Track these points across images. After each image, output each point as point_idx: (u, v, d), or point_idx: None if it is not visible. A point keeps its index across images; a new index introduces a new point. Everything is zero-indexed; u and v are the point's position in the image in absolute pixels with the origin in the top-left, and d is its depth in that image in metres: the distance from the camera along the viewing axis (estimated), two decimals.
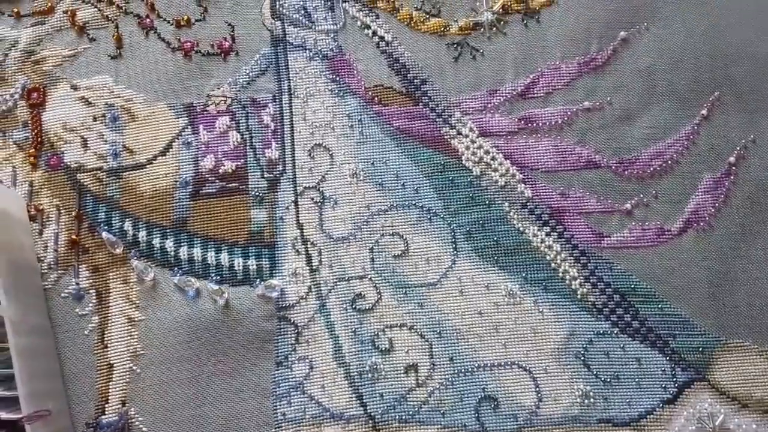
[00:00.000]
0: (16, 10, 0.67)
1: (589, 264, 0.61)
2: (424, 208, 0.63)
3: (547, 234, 0.62)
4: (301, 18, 0.67)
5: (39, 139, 0.64)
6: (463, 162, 0.64)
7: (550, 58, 0.66)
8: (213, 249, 0.62)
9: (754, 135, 0.64)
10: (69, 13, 0.67)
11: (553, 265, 0.61)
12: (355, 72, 0.66)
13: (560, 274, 0.61)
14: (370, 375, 0.59)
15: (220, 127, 0.64)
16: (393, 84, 0.66)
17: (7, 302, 0.53)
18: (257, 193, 0.63)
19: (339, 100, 0.65)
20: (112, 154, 0.64)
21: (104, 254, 0.62)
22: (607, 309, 0.60)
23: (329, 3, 0.68)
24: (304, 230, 0.62)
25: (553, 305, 0.61)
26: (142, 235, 0.62)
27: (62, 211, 0.63)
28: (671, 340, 0.60)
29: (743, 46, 0.65)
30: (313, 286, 0.61)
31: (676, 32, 0.66)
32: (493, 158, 0.64)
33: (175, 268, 0.62)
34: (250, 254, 0.62)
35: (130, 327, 0.60)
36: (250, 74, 0.66)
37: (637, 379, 0.59)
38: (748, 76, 0.65)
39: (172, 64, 0.66)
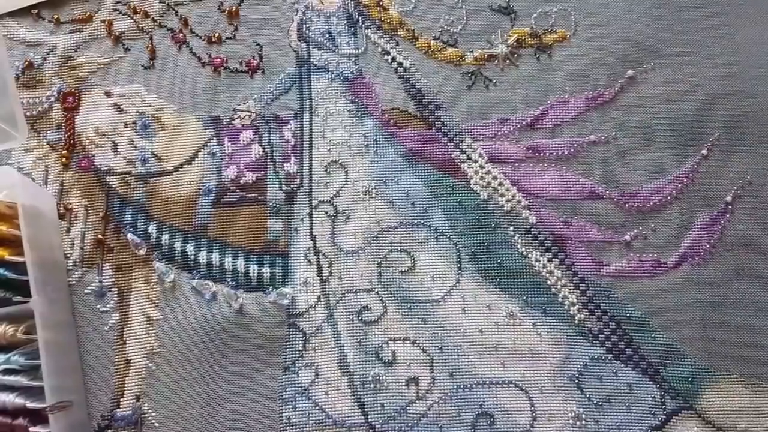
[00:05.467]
0: (56, 16, 0.69)
1: (587, 291, 0.63)
2: (432, 228, 0.64)
3: (549, 260, 0.63)
4: (325, 41, 0.69)
5: (72, 141, 0.66)
6: (472, 186, 0.65)
7: (559, 92, 0.67)
8: (230, 255, 0.63)
9: (751, 176, 0.65)
10: (106, 22, 0.69)
11: (553, 289, 0.63)
12: (374, 95, 0.68)
13: (560, 299, 0.62)
14: (372, 385, 0.60)
15: (243, 140, 0.66)
16: (408, 108, 0.67)
17: (38, 296, 0.54)
18: (275, 204, 0.64)
19: (357, 120, 0.67)
20: (140, 160, 0.65)
21: (128, 254, 0.63)
22: (602, 335, 0.61)
23: (352, 29, 0.70)
24: (317, 242, 0.64)
25: (551, 328, 0.62)
26: (165, 238, 0.64)
27: (90, 211, 0.64)
28: (662, 369, 0.60)
29: (747, 92, 0.67)
30: (322, 296, 0.62)
31: (682, 73, 0.67)
32: (500, 184, 0.65)
33: (194, 272, 0.63)
34: (264, 262, 0.63)
35: (148, 325, 0.62)
36: (275, 92, 0.68)
37: (627, 405, 0.60)
38: (749, 120, 0.66)
39: (202, 78, 0.68)
